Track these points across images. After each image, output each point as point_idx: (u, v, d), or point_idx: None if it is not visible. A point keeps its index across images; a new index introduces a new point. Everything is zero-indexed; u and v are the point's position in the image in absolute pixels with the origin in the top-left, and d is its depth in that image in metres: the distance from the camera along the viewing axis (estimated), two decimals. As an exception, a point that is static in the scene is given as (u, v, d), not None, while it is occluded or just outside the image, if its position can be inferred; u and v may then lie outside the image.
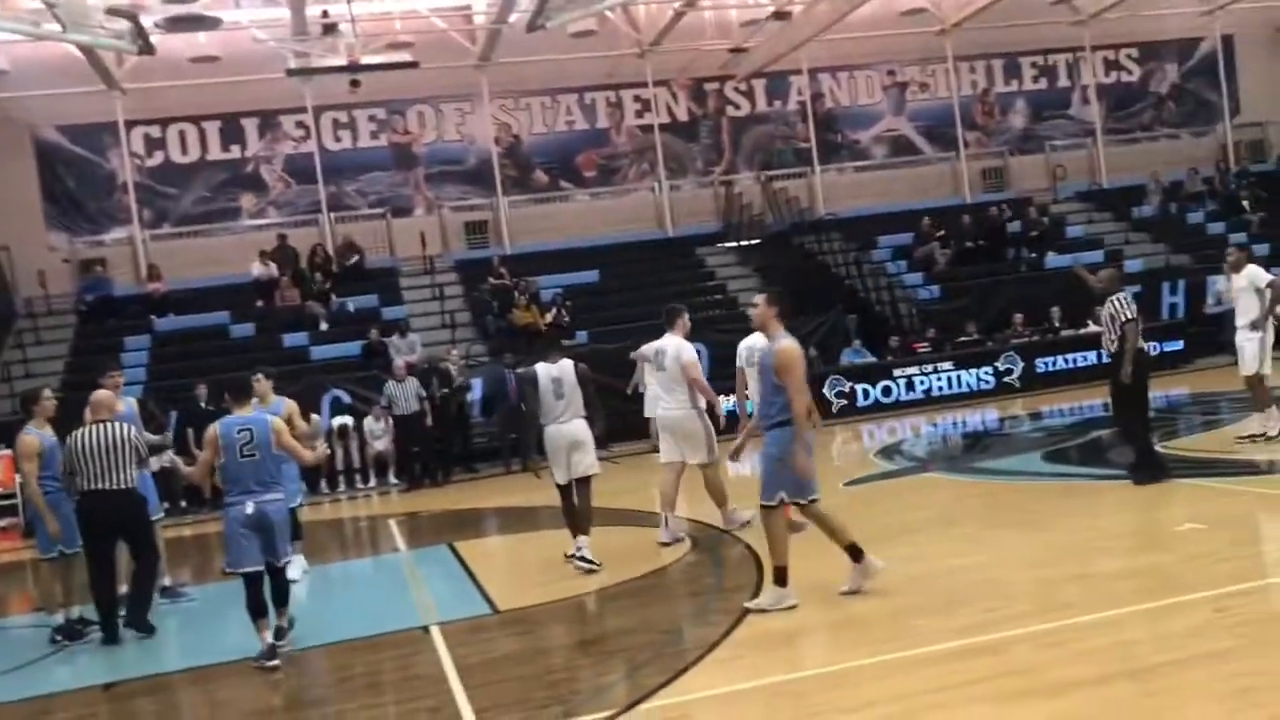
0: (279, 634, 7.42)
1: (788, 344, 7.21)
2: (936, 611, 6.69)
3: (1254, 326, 11.24)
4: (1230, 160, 26.68)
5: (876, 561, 7.27)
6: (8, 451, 15.69)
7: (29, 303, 22.14)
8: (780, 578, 7.14)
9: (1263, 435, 11.16)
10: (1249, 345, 11.29)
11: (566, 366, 9.18)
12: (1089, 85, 26.98)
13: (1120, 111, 27.41)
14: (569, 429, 9.07)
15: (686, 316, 10.18)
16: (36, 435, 8.34)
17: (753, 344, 9.27)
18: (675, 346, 9.88)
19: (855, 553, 7.25)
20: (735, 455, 8.41)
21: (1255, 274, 11.43)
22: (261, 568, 7.31)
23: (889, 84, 26.72)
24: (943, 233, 23.37)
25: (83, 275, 22.49)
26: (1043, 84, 27.34)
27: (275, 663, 7.04)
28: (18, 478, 15.21)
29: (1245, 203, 24.98)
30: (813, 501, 7.27)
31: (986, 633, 6.09)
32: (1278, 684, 5.03)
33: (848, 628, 6.58)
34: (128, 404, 8.82)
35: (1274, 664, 5.26)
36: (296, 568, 9.59)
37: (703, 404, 9.83)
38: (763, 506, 7.26)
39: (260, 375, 9.53)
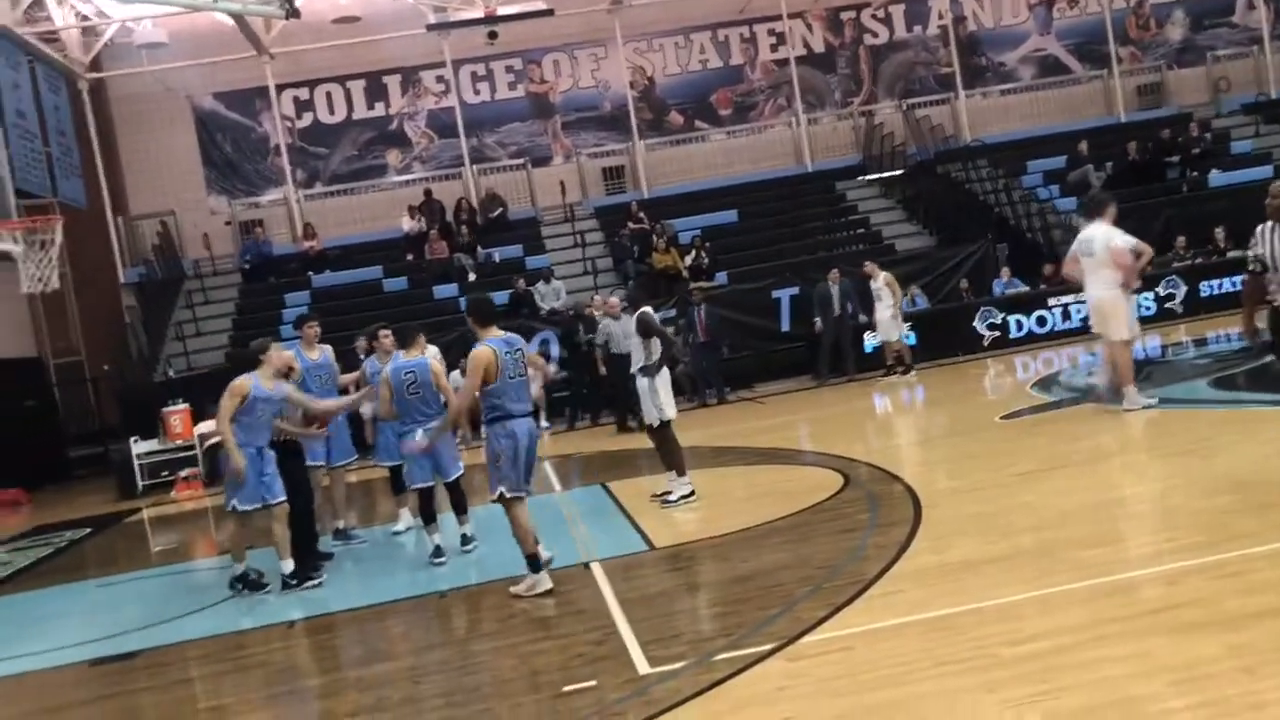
0: (465, 540, 8.76)
1: None
2: (1102, 543, 6.54)
3: None
4: None
5: None
6: (185, 406, 16.65)
7: (196, 265, 23.24)
8: None
9: None
10: None
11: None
12: (1255, -11, 25.36)
13: (1290, 15, 25.72)
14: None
15: (1114, 206, 10.98)
16: (250, 379, 8.43)
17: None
18: (1104, 233, 10.62)
19: None
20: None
21: None
22: (432, 483, 8.67)
23: (1035, 2, 25.63)
24: (1095, 155, 22.41)
25: (243, 236, 23.47)
26: (1202, -10, 25.86)
27: (442, 559, 8.43)
28: (199, 428, 16.16)
29: None
30: None
31: (1157, 564, 5.93)
32: None
33: (1009, 561, 6.48)
34: (324, 351, 9.17)
35: None
36: (402, 521, 10.10)
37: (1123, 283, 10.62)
38: None
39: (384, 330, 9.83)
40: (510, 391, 7.22)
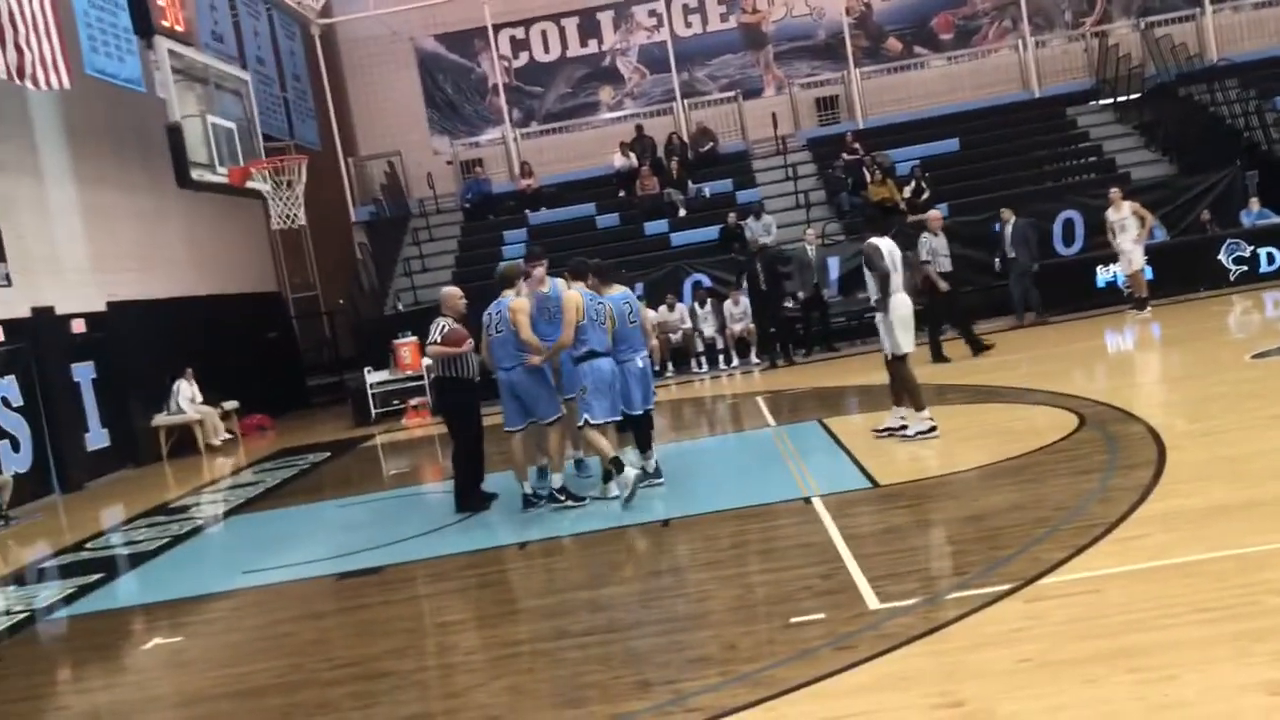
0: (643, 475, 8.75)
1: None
2: (1376, 491, 6.01)
3: None
4: None
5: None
6: (413, 338, 17.40)
7: (421, 203, 24.15)
8: None
9: None
10: None
11: (889, 240, 9.53)
12: None
13: None
14: (907, 298, 9.46)
15: None
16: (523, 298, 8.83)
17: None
18: None
19: None
20: None
21: None
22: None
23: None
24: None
25: (464, 175, 24.21)
26: None
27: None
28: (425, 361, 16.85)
29: None
30: None
31: None
32: None
33: (1264, 508, 6.04)
34: (554, 284, 9.27)
35: None
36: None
37: None
38: None
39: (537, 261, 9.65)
40: (591, 334, 8.43)
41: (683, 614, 5.87)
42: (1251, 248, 17.50)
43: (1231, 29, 23.31)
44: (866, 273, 9.46)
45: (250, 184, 16.04)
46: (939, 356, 14.08)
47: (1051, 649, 4.57)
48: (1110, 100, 22.64)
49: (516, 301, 8.70)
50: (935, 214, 14.80)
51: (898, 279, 9.39)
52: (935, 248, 14.39)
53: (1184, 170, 19.86)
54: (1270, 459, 7.09)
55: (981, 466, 8.09)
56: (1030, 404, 10.48)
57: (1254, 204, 18.37)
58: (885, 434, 9.60)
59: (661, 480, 9.09)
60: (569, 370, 8.86)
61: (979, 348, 14.36)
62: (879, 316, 9.48)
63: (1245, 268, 17.45)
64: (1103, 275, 17.59)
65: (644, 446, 9.21)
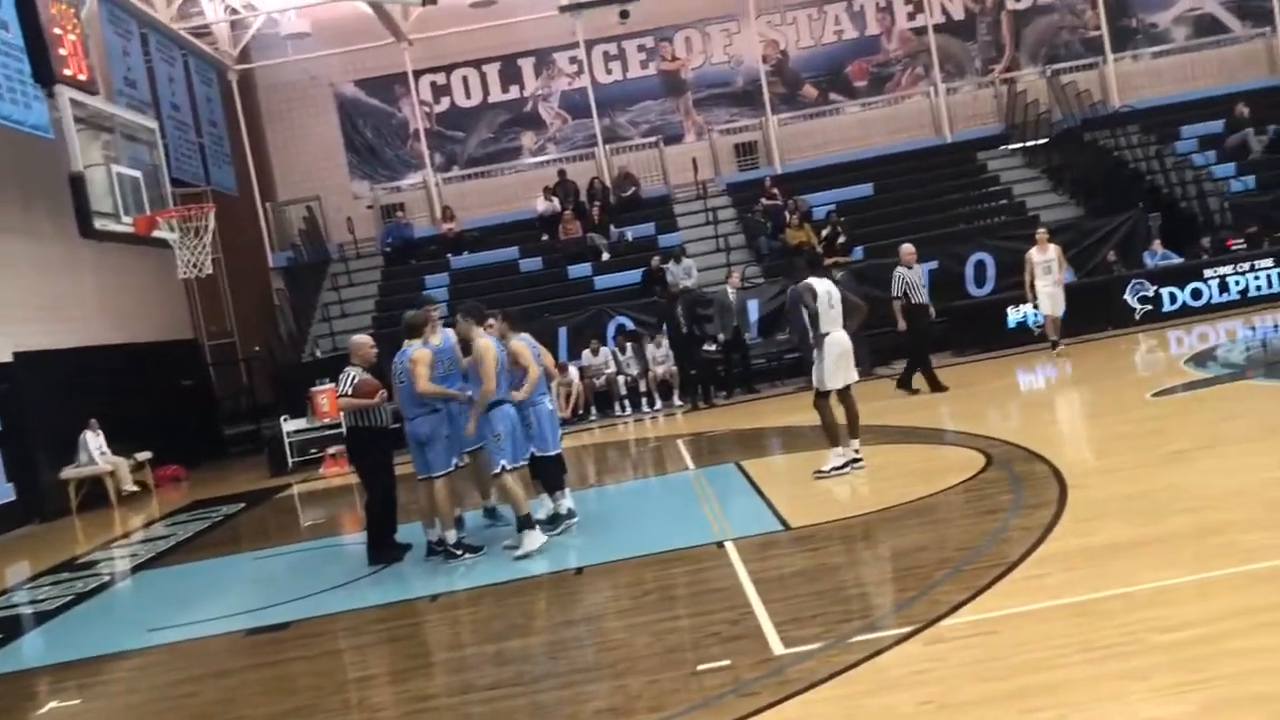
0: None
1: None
2: (1260, 527, 6.21)
3: None
4: None
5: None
6: (331, 386, 17.17)
7: (340, 248, 23.98)
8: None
9: None
10: None
11: (828, 282, 9.78)
12: None
13: None
14: (844, 336, 9.64)
15: None
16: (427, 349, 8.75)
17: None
18: None
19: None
20: None
21: None
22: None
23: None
24: (1255, 118, 21.24)
25: (385, 220, 24.11)
26: (1377, -62, 24.19)
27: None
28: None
29: None
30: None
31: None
32: None
33: (1161, 545, 6.22)
34: (445, 335, 9.26)
35: None
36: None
37: None
38: None
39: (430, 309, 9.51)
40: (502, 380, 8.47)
41: (590, 664, 5.86)
42: (1155, 288, 18.06)
43: (1132, 76, 24.18)
44: (803, 310, 9.57)
45: (157, 233, 15.77)
46: (936, 386, 14.24)
47: (951, 691, 4.64)
48: (1019, 145, 23.31)
49: (418, 353, 8.66)
50: (908, 247, 14.73)
51: (833, 315, 9.56)
52: (910, 281, 14.43)
53: (1090, 213, 20.48)
54: (1168, 497, 7.29)
55: (890, 507, 8.20)
56: (941, 444, 10.67)
57: (1156, 245, 18.98)
58: (832, 473, 9.64)
59: (576, 518, 9.10)
60: (474, 421, 8.75)
61: (938, 386, 14.39)
62: (815, 353, 9.62)
63: (1149, 307, 18.00)
64: (1014, 315, 18.00)
65: (557, 488, 9.20)
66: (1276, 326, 15.68)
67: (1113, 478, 8.21)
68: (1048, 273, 15.80)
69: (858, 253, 19.98)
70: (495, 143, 25.14)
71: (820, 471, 9.63)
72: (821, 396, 9.68)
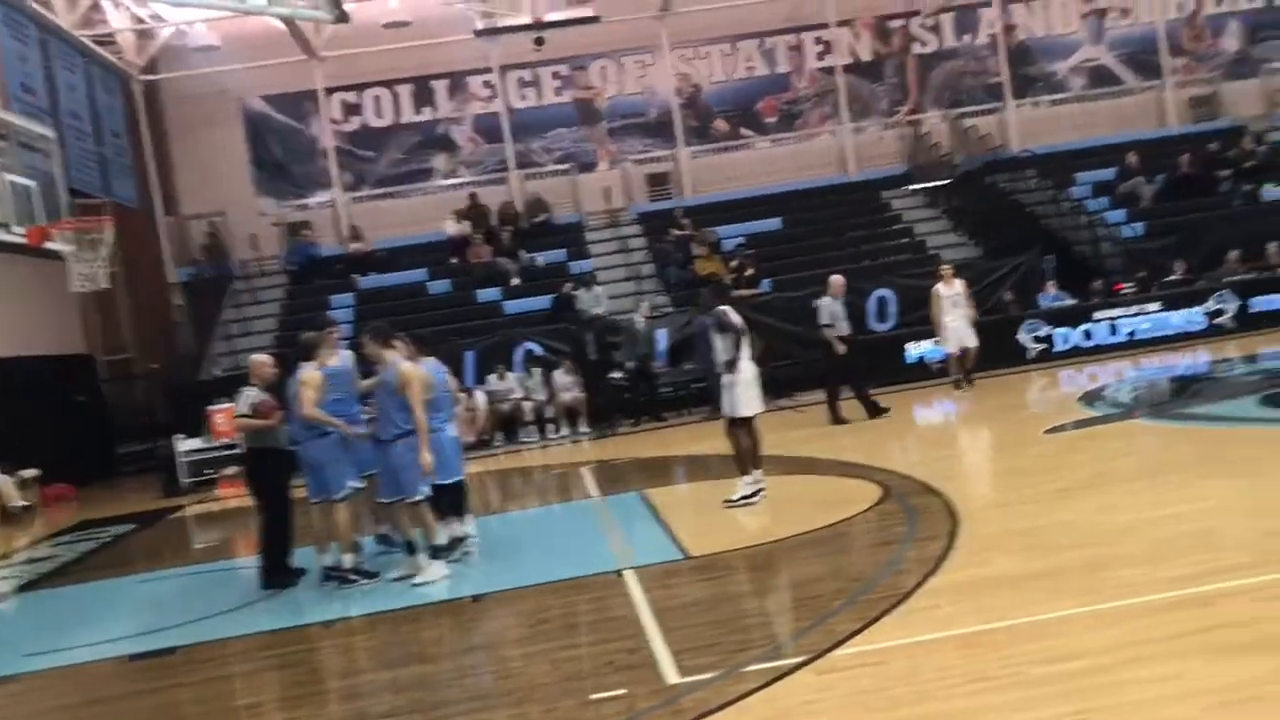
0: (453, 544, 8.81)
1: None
2: (1143, 562, 6.44)
3: None
4: None
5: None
6: (229, 404, 16.81)
7: (244, 265, 23.53)
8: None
9: None
10: None
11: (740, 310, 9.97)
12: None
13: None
14: (753, 365, 9.72)
15: None
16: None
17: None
18: None
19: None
20: None
21: None
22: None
23: (1087, 11, 25.38)
24: (1145, 167, 22.14)
25: (290, 238, 23.73)
26: (1259, 2, 25.44)
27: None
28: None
29: None
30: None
31: (1198, 585, 5.82)
32: None
33: (1048, 579, 6.40)
34: (343, 358, 9.14)
35: None
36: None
37: None
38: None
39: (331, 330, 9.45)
40: None
41: (485, 692, 5.83)
42: (1049, 328, 18.65)
43: (1032, 122, 24.98)
44: (716, 338, 9.67)
45: (50, 244, 15.32)
46: (837, 419, 14.40)
47: (839, 721, 4.72)
48: (921, 186, 23.89)
49: (307, 375, 8.52)
50: (838, 279, 14.81)
51: (744, 344, 9.67)
52: (835, 312, 14.53)
53: (988, 254, 21.06)
54: (1057, 532, 7.50)
55: (789, 537, 8.30)
56: (839, 475, 10.85)
57: (1050, 287, 19.59)
58: (741, 502, 9.68)
59: (472, 540, 9.05)
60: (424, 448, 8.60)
61: (875, 411, 14.58)
62: (726, 379, 9.65)
63: (1044, 346, 18.56)
64: (914, 351, 18.41)
65: (462, 511, 9.13)
66: (1163, 368, 16.29)
67: (1005, 512, 8.44)
68: (955, 306, 16.06)
69: (765, 285, 20.25)
70: (406, 163, 24.96)
71: (730, 500, 9.70)
72: (735, 424, 9.75)
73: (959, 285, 16.17)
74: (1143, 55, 25.28)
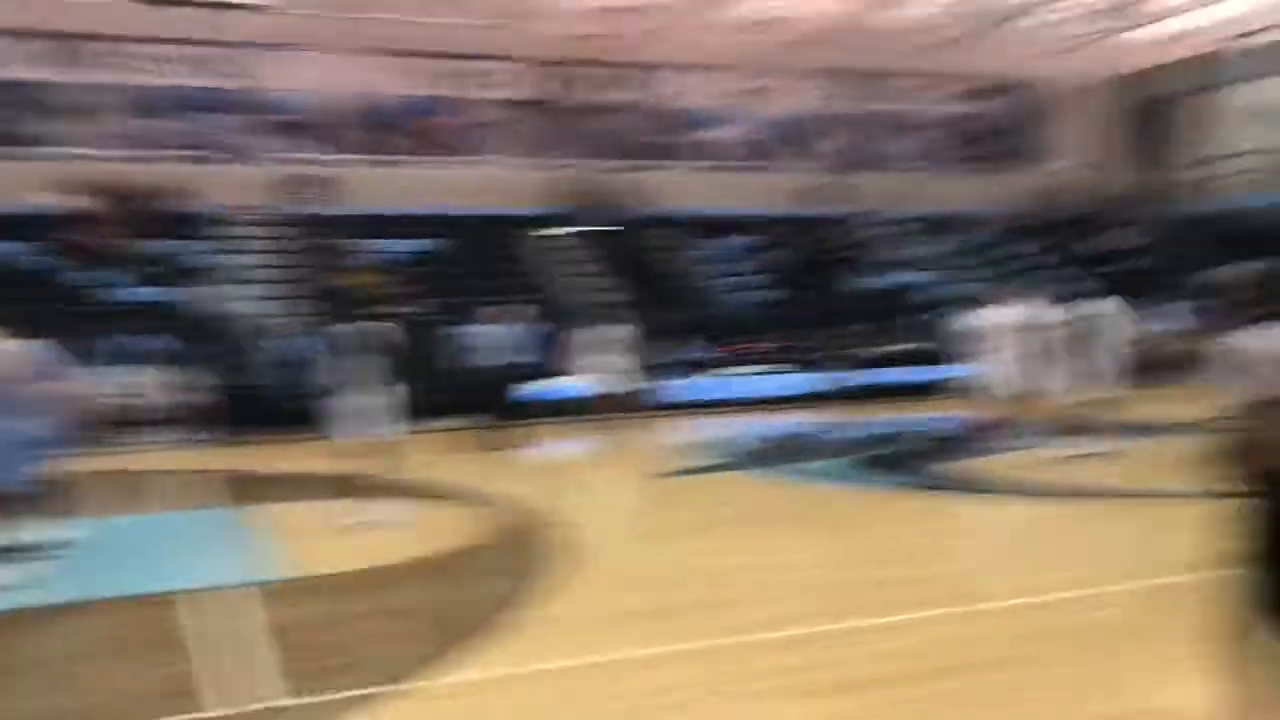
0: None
1: None
2: (719, 606, 6.73)
3: None
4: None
5: None
6: None
7: None
8: None
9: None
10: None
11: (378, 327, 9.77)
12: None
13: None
14: (376, 387, 9.69)
15: None
16: None
17: None
18: None
19: None
20: None
21: None
22: None
23: (748, 88, 27.08)
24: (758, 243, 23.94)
25: None
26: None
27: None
28: None
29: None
30: None
31: (779, 630, 6.12)
32: (1050, 691, 5.20)
33: (648, 618, 6.53)
34: None
35: (1046, 673, 5.43)
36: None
37: None
38: None
39: None
40: None
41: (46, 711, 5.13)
42: (673, 380, 19.51)
43: (682, 184, 26.09)
44: (329, 355, 9.32)
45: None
46: (476, 447, 14.50)
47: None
48: (571, 230, 24.37)
49: None
50: (492, 310, 15.09)
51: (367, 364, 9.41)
52: (487, 340, 14.89)
53: (631, 304, 21.72)
54: (661, 572, 7.74)
55: (400, 564, 8.05)
56: (456, 504, 10.66)
57: (678, 340, 20.51)
58: (366, 523, 9.32)
59: (46, 550, 8.18)
60: None
61: (503, 444, 14.72)
62: (386, 399, 9.47)
63: (668, 397, 19.36)
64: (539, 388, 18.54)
65: (46, 513, 8.17)
66: (772, 426, 17.39)
67: (613, 551, 8.60)
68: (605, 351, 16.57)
69: (414, 307, 19.78)
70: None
71: (358, 521, 9.31)
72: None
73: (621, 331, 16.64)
74: (791, 134, 27.29)
